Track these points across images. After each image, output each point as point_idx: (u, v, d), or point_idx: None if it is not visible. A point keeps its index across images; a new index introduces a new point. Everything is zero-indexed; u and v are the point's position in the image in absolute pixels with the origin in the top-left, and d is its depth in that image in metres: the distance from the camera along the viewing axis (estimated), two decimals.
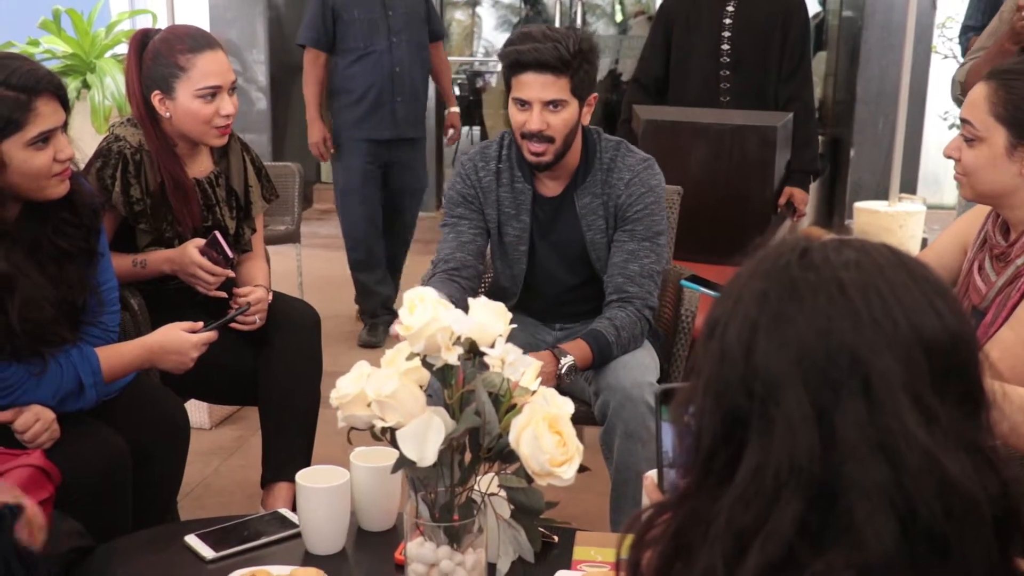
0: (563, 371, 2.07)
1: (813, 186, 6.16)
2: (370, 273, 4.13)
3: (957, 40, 4.06)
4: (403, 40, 3.96)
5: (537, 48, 2.06)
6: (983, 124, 1.63)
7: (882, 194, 5.32)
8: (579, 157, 2.22)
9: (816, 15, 7.65)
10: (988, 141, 1.63)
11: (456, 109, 4.35)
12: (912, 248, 4.59)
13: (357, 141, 4.01)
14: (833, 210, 6.36)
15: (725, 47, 3.19)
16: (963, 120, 1.67)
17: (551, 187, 2.26)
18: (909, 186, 5.81)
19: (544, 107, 2.10)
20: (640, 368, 2.12)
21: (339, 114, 4.05)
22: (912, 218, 4.96)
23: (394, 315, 3.96)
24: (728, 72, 3.20)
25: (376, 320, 4.12)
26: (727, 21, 3.20)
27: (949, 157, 1.72)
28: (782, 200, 3.23)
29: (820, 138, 6.38)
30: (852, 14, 6.31)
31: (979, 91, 1.65)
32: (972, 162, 1.66)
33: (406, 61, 3.99)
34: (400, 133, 4.04)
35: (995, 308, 1.66)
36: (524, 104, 2.12)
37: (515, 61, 2.10)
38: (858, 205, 5.21)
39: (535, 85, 2.09)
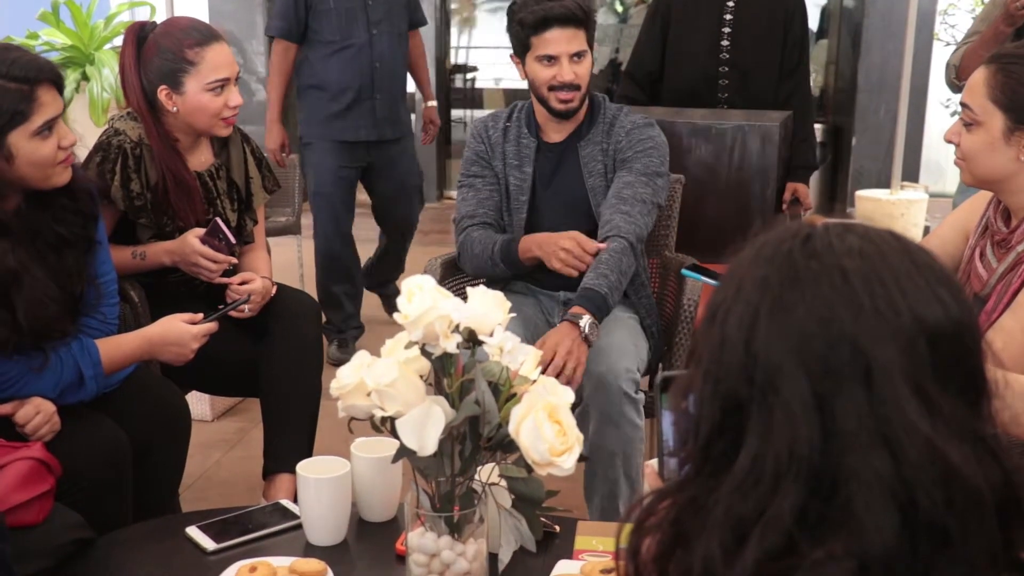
0: (586, 331, 2.08)
1: (815, 174, 6.16)
2: (337, 284, 3.77)
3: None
4: (384, 32, 3.58)
5: (563, 3, 2.23)
6: (981, 108, 1.63)
7: (884, 182, 5.31)
8: (586, 109, 2.36)
9: (819, 5, 7.62)
10: (986, 125, 1.63)
11: (434, 103, 4.00)
12: (914, 236, 4.58)
13: (330, 142, 3.63)
14: (835, 198, 6.34)
15: (725, 43, 3.15)
16: (962, 104, 1.67)
17: (556, 133, 2.38)
18: (911, 174, 5.79)
19: (570, 59, 2.25)
20: (617, 352, 2.14)
21: (309, 112, 3.65)
22: (914, 206, 4.95)
23: (362, 329, 3.86)
24: (727, 69, 3.17)
25: (344, 336, 3.79)
26: (727, 17, 3.16)
27: (949, 142, 1.72)
28: (787, 196, 3.22)
29: (822, 126, 6.38)
30: (854, 2, 6.29)
31: (978, 75, 1.65)
32: (971, 146, 1.66)
33: (387, 55, 3.60)
34: (380, 134, 3.65)
35: (996, 295, 1.66)
36: (551, 59, 2.26)
37: (542, 19, 2.24)
38: (860, 193, 5.20)
39: (561, 40, 2.25)
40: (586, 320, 2.08)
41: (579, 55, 2.27)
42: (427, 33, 6.22)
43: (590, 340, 2.08)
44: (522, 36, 2.29)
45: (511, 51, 2.37)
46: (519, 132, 2.39)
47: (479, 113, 8.13)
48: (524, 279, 2.39)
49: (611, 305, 2.17)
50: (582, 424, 2.09)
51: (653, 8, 3.37)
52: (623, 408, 2.09)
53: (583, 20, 2.26)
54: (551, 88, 2.28)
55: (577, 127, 2.36)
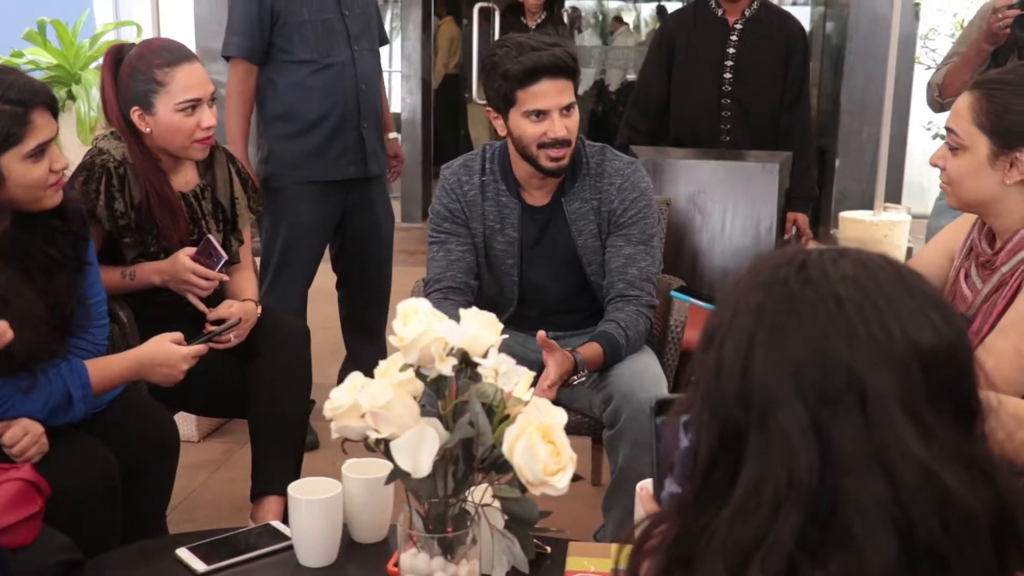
0: (576, 381, 2.09)
1: None
2: None
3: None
4: (364, 48, 3.04)
5: (552, 52, 2.06)
6: (966, 133, 1.65)
7: (867, 204, 5.35)
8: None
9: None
10: (971, 150, 1.65)
11: (397, 136, 3.42)
12: (897, 257, 4.61)
13: (306, 186, 2.99)
14: (819, 220, 6.39)
15: (727, 76, 3.18)
16: (948, 129, 1.69)
17: (539, 196, 2.26)
18: (894, 196, 5.85)
19: (561, 113, 2.10)
20: (652, 380, 2.14)
21: (278, 149, 3.01)
22: (897, 227, 4.99)
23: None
24: (729, 101, 3.20)
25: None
26: (731, 51, 3.19)
27: (935, 166, 1.74)
28: (789, 226, 3.25)
29: None
30: (836, 25, 6.36)
31: (963, 100, 1.67)
32: (956, 170, 1.68)
33: (371, 75, 3.07)
34: (367, 170, 3.07)
35: (981, 316, 1.68)
36: (541, 114, 2.10)
37: (531, 70, 2.06)
38: (843, 215, 5.24)
39: (551, 92, 2.08)
40: (584, 374, 2.09)
41: (569, 108, 2.11)
42: (412, 54, 6.29)
43: (570, 386, 2.08)
44: (506, 90, 2.10)
45: (487, 106, 2.20)
46: (497, 190, 2.23)
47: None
48: (508, 325, 2.32)
49: (618, 359, 2.16)
50: (613, 446, 2.11)
51: (658, 38, 3.38)
52: None
53: (573, 69, 2.11)
54: (541, 146, 2.11)
55: (560, 183, 2.22)
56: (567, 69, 2.09)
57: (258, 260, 3.01)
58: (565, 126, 2.10)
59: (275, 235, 3.05)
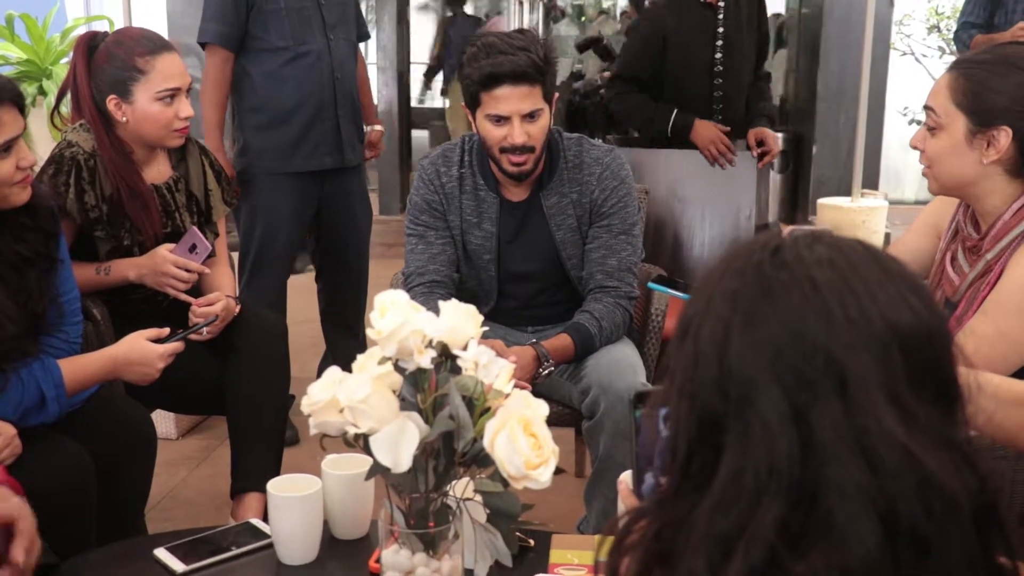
0: (544, 372, 2.08)
1: (776, 183, 6.23)
2: None
3: (953, 36, 4.08)
4: (340, 38, 3.04)
5: (512, 60, 2.01)
6: (944, 111, 1.66)
7: (844, 190, 5.38)
8: (544, 158, 2.21)
9: (777, 15, 7.70)
10: (949, 129, 1.65)
11: (381, 128, 3.36)
12: (875, 243, 4.64)
13: (282, 177, 3.00)
14: (796, 206, 6.41)
15: (718, 55, 3.20)
16: (927, 108, 1.70)
17: (517, 192, 2.25)
18: (871, 182, 5.88)
19: (523, 119, 2.06)
20: (631, 369, 2.13)
21: (253, 141, 3.00)
22: (874, 213, 5.01)
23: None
24: (720, 81, 3.22)
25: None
26: (720, 30, 3.19)
27: (915, 147, 1.74)
28: (752, 141, 3.24)
29: (783, 135, 6.45)
30: (811, 12, 6.37)
31: (942, 80, 1.68)
32: (935, 150, 1.69)
33: (347, 65, 3.06)
34: (344, 160, 3.08)
35: (966, 300, 1.68)
36: (501, 119, 2.07)
37: (490, 76, 2.03)
38: (821, 201, 5.26)
39: (512, 98, 2.04)
40: (549, 367, 2.09)
41: (533, 115, 2.07)
42: (387, 45, 6.25)
43: (536, 381, 2.07)
44: (472, 90, 2.08)
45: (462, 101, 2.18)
46: (475, 184, 2.21)
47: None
48: (488, 318, 2.27)
49: (591, 350, 2.16)
50: (593, 437, 2.10)
51: (649, 27, 3.33)
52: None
53: (536, 77, 2.04)
54: (503, 150, 2.10)
55: (538, 178, 2.21)
56: (528, 76, 2.03)
57: (235, 255, 2.98)
58: (527, 132, 2.07)
59: (252, 227, 3.05)
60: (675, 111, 3.15)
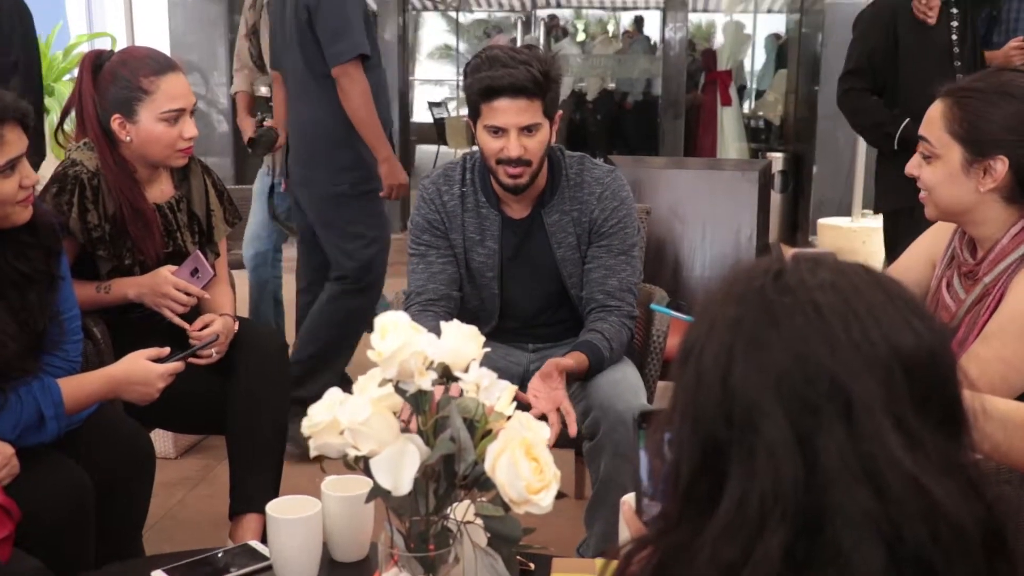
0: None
1: (777, 202, 6.22)
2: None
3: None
4: None
5: (511, 73, 2.03)
6: (939, 141, 1.65)
7: (844, 210, 5.39)
8: (546, 175, 2.22)
9: (777, 36, 7.75)
10: (944, 158, 1.65)
11: None
12: (875, 264, 4.64)
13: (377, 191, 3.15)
14: (797, 227, 6.42)
15: (957, 63, 3.15)
16: (921, 137, 1.69)
17: (519, 209, 2.25)
18: (871, 202, 5.87)
19: (520, 132, 2.08)
20: (631, 390, 2.13)
21: (367, 155, 3.10)
22: (875, 234, 5.01)
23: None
24: (959, 64, 3.16)
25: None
26: (954, 38, 3.16)
27: (910, 175, 1.74)
28: None
29: (782, 155, 6.46)
30: (811, 32, 6.40)
31: (935, 108, 1.67)
32: (931, 179, 1.68)
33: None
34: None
35: (965, 326, 1.67)
36: (499, 131, 2.09)
37: (488, 88, 2.05)
38: (822, 221, 5.27)
39: (510, 111, 2.06)
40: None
41: (531, 128, 2.07)
42: (389, 64, 6.28)
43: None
44: (473, 101, 2.11)
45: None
46: (477, 201, 2.23)
47: None
48: (491, 337, 2.31)
49: (601, 369, 2.15)
50: (594, 458, 2.09)
51: (876, 16, 3.27)
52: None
53: (535, 92, 2.05)
54: (499, 162, 2.11)
55: (540, 195, 2.22)
56: (526, 91, 2.04)
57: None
58: (523, 145, 2.08)
59: (372, 233, 3.15)
60: (907, 120, 3.07)
